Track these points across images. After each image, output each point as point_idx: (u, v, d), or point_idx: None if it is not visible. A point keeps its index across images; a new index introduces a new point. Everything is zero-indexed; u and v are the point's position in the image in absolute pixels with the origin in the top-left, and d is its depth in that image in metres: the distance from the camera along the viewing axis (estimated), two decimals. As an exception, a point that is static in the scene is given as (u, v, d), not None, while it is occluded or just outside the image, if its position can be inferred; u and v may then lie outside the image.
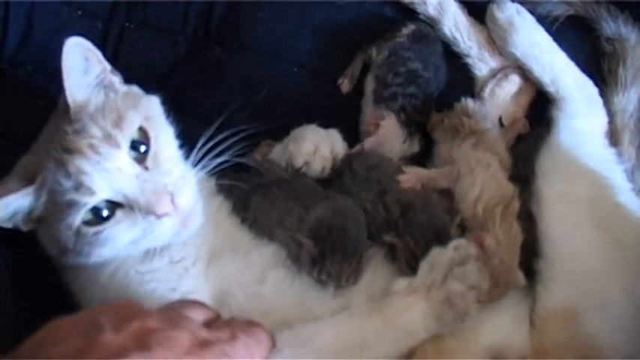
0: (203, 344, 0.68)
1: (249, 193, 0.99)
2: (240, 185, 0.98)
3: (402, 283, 0.89)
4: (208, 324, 0.75)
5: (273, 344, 0.82)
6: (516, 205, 0.96)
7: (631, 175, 1.04)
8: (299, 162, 1.02)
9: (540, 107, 1.11)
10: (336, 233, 0.92)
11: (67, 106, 0.88)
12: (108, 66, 0.95)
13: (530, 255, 0.96)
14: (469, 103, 1.08)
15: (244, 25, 1.19)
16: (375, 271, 0.95)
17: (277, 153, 1.07)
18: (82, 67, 0.91)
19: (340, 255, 0.91)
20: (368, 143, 1.07)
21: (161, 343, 0.65)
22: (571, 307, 0.89)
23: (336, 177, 1.04)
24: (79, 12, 1.20)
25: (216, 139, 0.95)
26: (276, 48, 1.17)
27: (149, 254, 0.89)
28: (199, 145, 0.94)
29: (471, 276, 0.86)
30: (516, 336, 0.91)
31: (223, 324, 0.75)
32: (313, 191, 1.01)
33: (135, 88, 0.98)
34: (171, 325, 0.68)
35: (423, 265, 0.90)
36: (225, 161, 0.95)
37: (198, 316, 0.75)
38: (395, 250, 0.94)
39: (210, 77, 1.18)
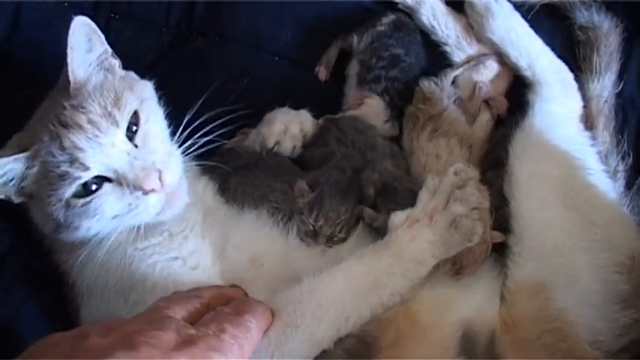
0: (189, 340, 0.70)
1: (226, 176, 1.02)
2: (220, 166, 1.01)
3: (400, 215, 0.91)
4: (194, 318, 0.76)
5: (272, 316, 0.84)
6: None
7: (605, 158, 1.06)
8: (270, 142, 1.06)
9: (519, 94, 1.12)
10: (333, 180, 0.97)
11: (67, 81, 0.91)
12: (109, 49, 0.98)
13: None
14: (425, 83, 1.11)
15: (226, 16, 1.21)
16: (359, 237, 0.98)
17: (252, 138, 1.10)
18: (86, 45, 0.93)
19: (339, 197, 0.95)
20: (349, 113, 1.10)
21: (146, 342, 0.67)
22: (540, 281, 0.91)
23: (320, 136, 1.07)
24: (65, 4, 1.22)
25: (199, 121, 0.97)
26: (257, 38, 1.20)
27: (145, 232, 0.90)
28: (183, 124, 0.96)
29: (471, 196, 0.89)
30: (487, 310, 0.93)
31: (210, 317, 0.76)
32: (292, 168, 1.05)
33: (132, 74, 1.01)
34: (156, 326, 0.70)
35: (423, 194, 0.92)
36: (208, 142, 0.97)
37: (180, 312, 0.77)
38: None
39: (194, 67, 1.20)
